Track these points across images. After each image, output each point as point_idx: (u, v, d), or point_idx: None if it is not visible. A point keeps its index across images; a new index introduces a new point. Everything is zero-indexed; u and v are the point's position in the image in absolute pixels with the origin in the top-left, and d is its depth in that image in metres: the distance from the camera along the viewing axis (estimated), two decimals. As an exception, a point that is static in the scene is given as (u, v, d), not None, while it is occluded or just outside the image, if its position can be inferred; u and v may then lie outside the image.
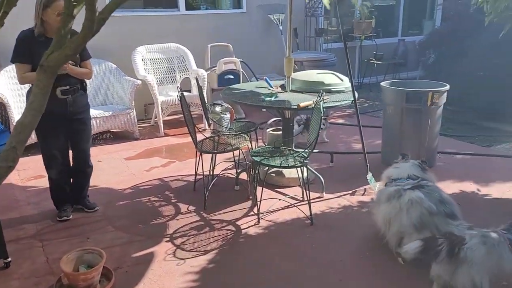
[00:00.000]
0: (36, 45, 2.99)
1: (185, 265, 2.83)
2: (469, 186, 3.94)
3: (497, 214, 3.42)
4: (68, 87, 3.19)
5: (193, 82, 6.06)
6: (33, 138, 4.16)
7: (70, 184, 3.49)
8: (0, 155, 1.46)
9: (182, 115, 6.29)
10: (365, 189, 3.91)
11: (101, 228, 3.30)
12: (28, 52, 3.03)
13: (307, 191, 3.44)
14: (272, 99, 3.77)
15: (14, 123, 4.55)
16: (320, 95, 3.25)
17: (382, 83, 4.46)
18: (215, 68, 6.09)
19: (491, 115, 5.90)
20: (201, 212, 3.54)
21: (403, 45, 8.53)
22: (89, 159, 3.53)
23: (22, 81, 3.14)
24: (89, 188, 3.92)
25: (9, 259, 2.79)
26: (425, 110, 4.12)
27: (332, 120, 6.19)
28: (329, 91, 3.91)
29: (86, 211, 3.53)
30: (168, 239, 3.15)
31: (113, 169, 4.48)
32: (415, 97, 4.12)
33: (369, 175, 3.89)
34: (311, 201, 3.51)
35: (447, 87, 4.17)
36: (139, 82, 5.33)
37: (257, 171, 3.58)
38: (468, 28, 6.61)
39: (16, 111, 4.81)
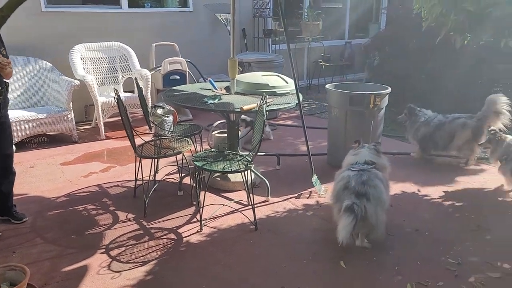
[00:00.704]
0: None
1: (121, 278, 2.66)
2: (410, 187, 4.03)
3: (437, 213, 3.51)
4: (0, 87, 2.94)
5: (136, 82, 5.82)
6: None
7: None
8: None
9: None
10: (310, 192, 3.90)
11: (29, 241, 3.05)
12: None
13: (252, 195, 3.36)
14: (216, 101, 3.67)
15: None
16: (263, 98, 3.19)
17: (327, 86, 4.49)
18: (160, 68, 5.90)
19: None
20: (141, 220, 3.37)
21: (349, 47, 8.71)
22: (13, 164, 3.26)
23: None
24: (18, 197, 3.65)
25: None
26: (368, 112, 4.17)
27: (280, 122, 6.18)
28: (274, 94, 3.87)
29: (13, 223, 3.26)
30: (103, 250, 2.96)
31: (46, 175, 4.19)
32: (358, 100, 4.16)
33: (314, 178, 3.89)
34: (257, 205, 3.46)
35: (389, 90, 4.25)
36: (77, 82, 5.04)
37: (201, 176, 3.46)
38: (409, 32, 6.82)
39: None
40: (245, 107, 3.42)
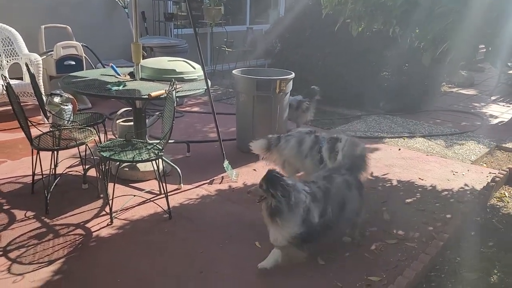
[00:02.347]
0: None
1: (25, 281, 2.45)
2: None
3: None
4: None
5: (25, 68, 5.28)
6: None
7: None
8: None
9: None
10: (222, 177, 3.94)
11: None
12: None
13: (164, 184, 3.30)
14: (120, 88, 3.49)
15: None
16: (172, 83, 3.12)
17: (233, 71, 4.53)
18: (52, 52, 5.42)
19: (329, 100, 6.52)
20: (43, 218, 3.11)
21: (251, 33, 8.84)
22: None
23: None
24: None
25: None
26: (274, 97, 4.31)
27: (187, 109, 6.10)
28: (182, 80, 3.80)
29: None
30: (0, 253, 2.69)
31: None
32: (264, 85, 4.27)
33: (226, 163, 3.94)
34: (169, 193, 3.40)
35: (293, 75, 4.43)
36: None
37: (107, 167, 3.29)
38: (308, 19, 7.14)
39: None
40: (153, 94, 3.32)
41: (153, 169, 3.75)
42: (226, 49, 8.19)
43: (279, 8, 9.93)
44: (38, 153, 3.25)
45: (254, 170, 4.14)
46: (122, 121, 4.34)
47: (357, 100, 6.43)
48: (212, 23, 7.90)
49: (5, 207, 3.24)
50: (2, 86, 4.63)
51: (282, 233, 2.50)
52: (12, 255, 2.68)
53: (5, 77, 3.05)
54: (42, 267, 2.58)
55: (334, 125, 5.74)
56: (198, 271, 2.63)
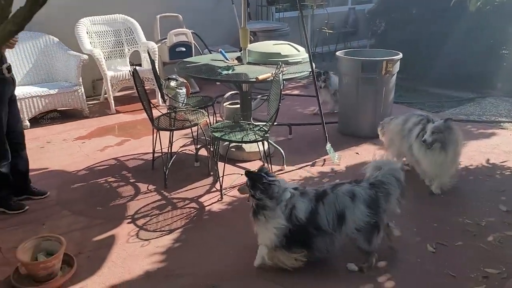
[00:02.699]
0: None
1: (150, 246, 2.76)
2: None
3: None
4: (9, 63, 2.94)
5: (143, 55, 5.79)
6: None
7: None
8: None
9: (133, 91, 6.09)
10: (324, 160, 3.97)
11: (56, 213, 3.14)
12: None
13: (269, 165, 3.43)
14: (230, 72, 3.68)
15: None
16: (279, 66, 3.21)
17: (337, 53, 4.48)
18: (166, 40, 5.85)
19: (437, 82, 6.14)
20: (162, 191, 3.45)
21: (353, 13, 8.60)
22: None
23: None
24: (38, 172, 3.74)
25: (-43, 252, 2.59)
26: (379, 79, 4.19)
27: (287, 92, 6.19)
28: (287, 63, 3.87)
29: (34, 199, 3.31)
30: (129, 220, 3.06)
31: (63, 150, 4.25)
32: (370, 66, 4.17)
33: (328, 146, 3.95)
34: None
35: (400, 55, 4.26)
36: (85, 56, 5.02)
37: (217, 147, 3.52)
38: (414, -3, 6.75)
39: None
40: (260, 77, 3.44)
41: (257, 150, 3.92)
42: (327, 31, 8.08)
43: (383, -14, 9.46)
44: (158, 132, 3.59)
45: (356, 153, 4.10)
46: (228, 104, 4.58)
47: (469, 81, 5.95)
48: (314, 5, 7.83)
49: (131, 180, 3.65)
50: (129, 71, 5.13)
51: (267, 227, 2.37)
52: (139, 222, 3.03)
53: (132, 62, 3.39)
54: (164, 235, 2.88)
55: (444, 108, 5.39)
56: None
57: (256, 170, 2.46)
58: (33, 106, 4.70)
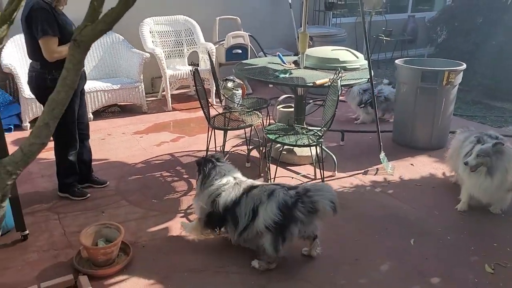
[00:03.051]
0: (57, 17, 2.88)
1: (201, 241, 2.84)
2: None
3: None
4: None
5: (201, 56, 5.96)
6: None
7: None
8: (32, 132, 1.43)
9: (189, 90, 6.28)
10: (377, 169, 3.90)
11: (115, 203, 3.30)
12: (56, 24, 2.86)
13: (321, 170, 3.42)
14: (287, 75, 3.71)
15: (24, 94, 4.50)
16: (337, 72, 3.20)
17: (397, 61, 4.40)
18: (223, 42, 5.98)
19: (501, 95, 5.86)
20: (215, 188, 3.53)
21: (412, 21, 8.38)
22: None
23: (54, 56, 2.87)
24: (100, 162, 3.94)
25: (27, 231, 2.80)
26: (440, 89, 4.07)
27: (341, 98, 6.11)
28: (344, 69, 3.84)
29: (95, 187, 3.50)
30: (182, 214, 3.16)
31: (123, 143, 4.46)
32: (430, 76, 4.06)
33: (382, 154, 3.88)
34: (324, 179, 3.51)
35: (464, 66, 4.11)
36: (148, 55, 5.24)
37: (269, 149, 3.56)
38: (480, 5, 6.48)
39: (25, 81, 4.72)
40: (318, 82, 3.44)
41: (309, 154, 3.93)
42: (384, 38, 7.93)
43: (446, -6, 9.16)
44: (213, 131, 3.68)
45: (411, 164, 4.00)
46: (282, 107, 4.61)
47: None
48: (372, 12, 7.71)
49: (184, 176, 3.76)
50: (190, 71, 5.31)
51: (197, 202, 2.73)
52: (191, 217, 3.12)
53: (193, 62, 3.51)
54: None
55: (507, 123, 5.13)
56: (353, 257, 2.69)
57: (209, 156, 2.83)
58: (97, 99, 4.97)
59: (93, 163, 3.57)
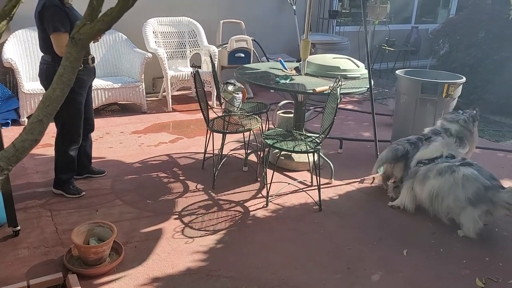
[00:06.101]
0: (69, 13, 2.98)
1: (194, 244, 2.83)
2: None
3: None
4: (93, 55, 3.23)
5: (204, 58, 5.97)
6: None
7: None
8: (26, 128, 1.43)
9: (190, 91, 6.29)
10: (373, 178, 3.89)
11: (109, 202, 3.29)
12: (67, 20, 2.95)
13: (318, 177, 3.42)
14: (287, 81, 3.71)
15: (23, 89, 4.50)
16: (337, 80, 3.20)
17: (397, 72, 4.40)
18: (226, 45, 5.99)
19: (499, 109, 5.87)
20: (210, 191, 3.53)
21: (416, 32, 8.41)
22: None
23: (64, 51, 3.02)
24: (98, 160, 3.95)
25: (18, 227, 2.79)
26: (439, 101, 4.07)
27: (341, 106, 6.13)
28: (345, 77, 3.85)
29: (93, 177, 3.56)
30: (176, 216, 3.15)
31: (121, 142, 4.45)
32: (430, 87, 4.06)
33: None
34: (320, 186, 3.51)
35: (463, 79, 4.11)
36: (150, 55, 5.24)
37: (267, 154, 3.56)
38: (484, 19, 6.50)
39: (25, 76, 4.74)
40: (318, 89, 3.44)
41: (306, 160, 3.93)
42: (387, 48, 7.95)
43: (450, 7, 9.20)
44: (212, 134, 3.68)
45: (408, 175, 3.99)
46: (281, 113, 4.61)
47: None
48: (376, 21, 7.74)
49: (181, 178, 3.76)
50: (191, 73, 5.32)
51: None
52: (185, 219, 3.11)
53: (194, 64, 3.52)
54: (208, 235, 2.94)
55: (505, 138, 5.14)
56: (346, 266, 2.68)
57: None
58: (97, 97, 4.97)
59: (90, 160, 3.58)
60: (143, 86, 5.27)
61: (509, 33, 6.05)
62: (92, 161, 3.69)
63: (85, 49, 1.40)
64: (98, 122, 4.88)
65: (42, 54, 3.12)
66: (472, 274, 2.63)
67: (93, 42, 3.27)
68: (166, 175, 3.78)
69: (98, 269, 2.50)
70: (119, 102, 5.42)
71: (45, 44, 3.03)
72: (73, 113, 3.16)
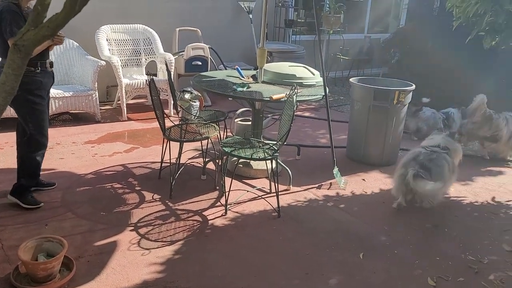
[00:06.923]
0: (25, 18, 2.89)
1: (150, 256, 2.76)
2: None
3: (457, 211, 3.59)
4: (52, 60, 3.18)
5: (159, 66, 5.88)
6: None
7: None
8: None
9: (146, 100, 6.17)
10: (330, 183, 3.97)
11: (60, 215, 3.15)
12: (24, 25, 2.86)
13: (276, 184, 3.44)
14: (245, 89, 3.72)
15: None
16: (293, 88, 3.25)
17: (351, 80, 4.53)
18: (183, 53, 5.94)
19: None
20: (167, 201, 3.46)
21: (369, 41, 8.69)
22: None
23: None
24: (48, 172, 3.78)
25: (-40, 245, 2.61)
26: (391, 108, 4.22)
27: (298, 113, 6.22)
28: (301, 85, 3.91)
29: (42, 190, 3.40)
30: (132, 228, 3.06)
31: (73, 152, 4.29)
32: (382, 95, 4.20)
33: (335, 169, 3.96)
34: (279, 193, 3.53)
35: (413, 86, 4.29)
36: (103, 63, 5.10)
37: (225, 162, 3.54)
38: (431, 30, 6.82)
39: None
40: (275, 97, 3.48)
41: (265, 168, 3.94)
42: (342, 56, 8.16)
43: (400, 18, 9.60)
44: (168, 142, 3.62)
45: (363, 179, 4.10)
46: (239, 120, 4.61)
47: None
48: (330, 31, 7.94)
49: (137, 188, 3.66)
50: (146, 81, 5.22)
51: None
52: (141, 231, 3.03)
53: (149, 72, 3.46)
54: (165, 246, 2.88)
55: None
56: (304, 271, 2.70)
57: None
58: (47, 106, 4.76)
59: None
60: (97, 94, 5.11)
61: (455, 41, 6.35)
62: (42, 173, 3.52)
63: (29, 56, 1.34)
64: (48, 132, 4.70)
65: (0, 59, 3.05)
66: (424, 274, 2.72)
67: (58, 45, 3.17)
68: (121, 186, 3.67)
69: (48, 286, 2.38)
70: (70, 111, 5.22)
71: (4, 49, 2.96)
72: (37, 116, 3.10)
